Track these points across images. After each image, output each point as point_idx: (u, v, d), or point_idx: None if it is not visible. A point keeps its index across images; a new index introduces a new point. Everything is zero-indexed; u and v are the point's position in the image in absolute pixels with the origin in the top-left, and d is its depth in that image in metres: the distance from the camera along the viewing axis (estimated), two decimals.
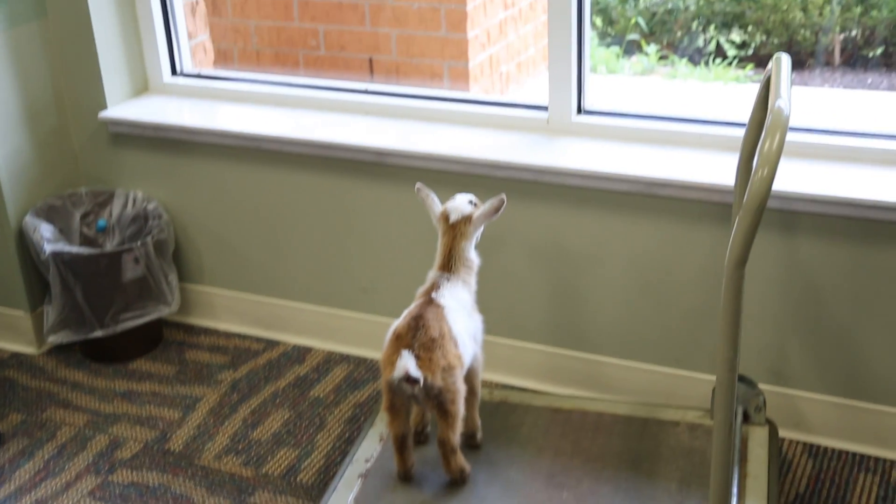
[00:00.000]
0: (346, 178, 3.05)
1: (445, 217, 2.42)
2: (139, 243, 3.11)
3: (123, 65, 3.30)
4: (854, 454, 2.69)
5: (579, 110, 2.88)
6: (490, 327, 2.57)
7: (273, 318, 3.35)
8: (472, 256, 2.44)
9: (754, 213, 1.72)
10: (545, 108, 2.90)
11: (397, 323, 2.30)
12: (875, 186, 2.48)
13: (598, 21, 4.56)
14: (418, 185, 2.47)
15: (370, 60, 4.35)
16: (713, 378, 2.71)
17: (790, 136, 2.52)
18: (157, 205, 3.29)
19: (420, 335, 2.23)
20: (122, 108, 3.28)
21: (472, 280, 2.45)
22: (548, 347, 3.00)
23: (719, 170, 2.61)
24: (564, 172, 2.74)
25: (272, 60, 4.46)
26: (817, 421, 2.74)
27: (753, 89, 2.22)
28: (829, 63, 4.07)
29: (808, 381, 2.72)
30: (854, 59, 4.02)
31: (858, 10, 3.96)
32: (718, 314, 1.85)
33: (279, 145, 3.07)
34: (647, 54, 4.48)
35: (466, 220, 2.40)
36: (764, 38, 4.26)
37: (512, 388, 3.01)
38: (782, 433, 2.73)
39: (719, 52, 4.32)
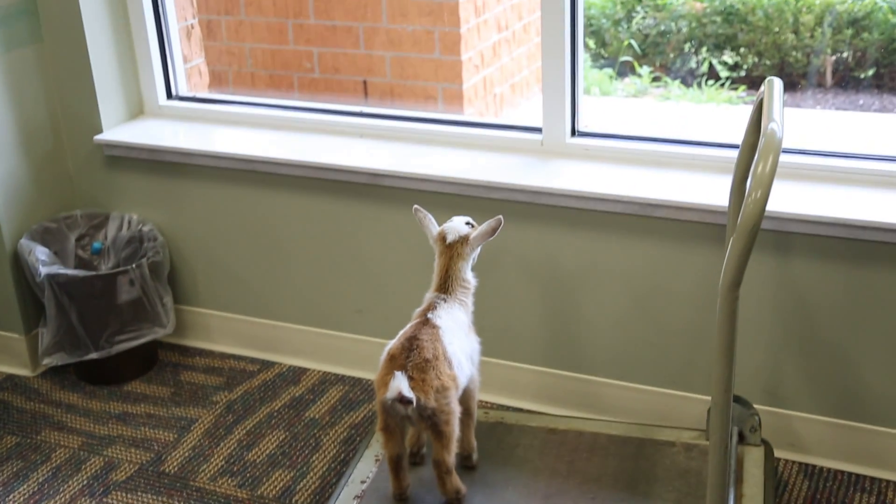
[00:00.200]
0: (340, 200, 3.06)
1: (442, 237, 2.42)
2: (134, 265, 3.11)
3: (119, 88, 3.31)
4: (850, 474, 2.69)
5: (573, 132, 2.89)
6: (486, 348, 2.57)
7: (268, 340, 3.35)
8: (469, 277, 2.45)
9: (748, 235, 1.73)
10: (539, 130, 2.91)
11: (392, 344, 2.30)
12: (868, 207, 2.50)
13: (591, 43, 4.59)
14: (415, 206, 2.48)
15: (364, 83, 4.36)
16: (708, 398, 2.71)
17: (783, 158, 2.54)
18: (153, 227, 3.29)
19: (414, 356, 2.23)
20: (117, 131, 3.29)
21: (469, 301, 2.46)
22: (543, 368, 3.00)
23: (713, 191, 2.62)
24: (559, 194, 2.75)
25: (267, 83, 4.48)
26: (813, 441, 2.74)
27: (746, 111, 2.24)
28: (821, 84, 4.09)
29: (803, 401, 2.73)
30: (846, 81, 4.04)
31: (850, 31, 3.99)
32: (713, 335, 1.85)
33: (274, 168, 3.08)
34: (640, 76, 4.50)
35: (463, 240, 2.41)
36: (756, 59, 4.28)
37: (508, 408, 3.01)
38: (778, 453, 2.74)
39: (712, 74, 4.35)
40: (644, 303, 2.80)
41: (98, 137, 3.26)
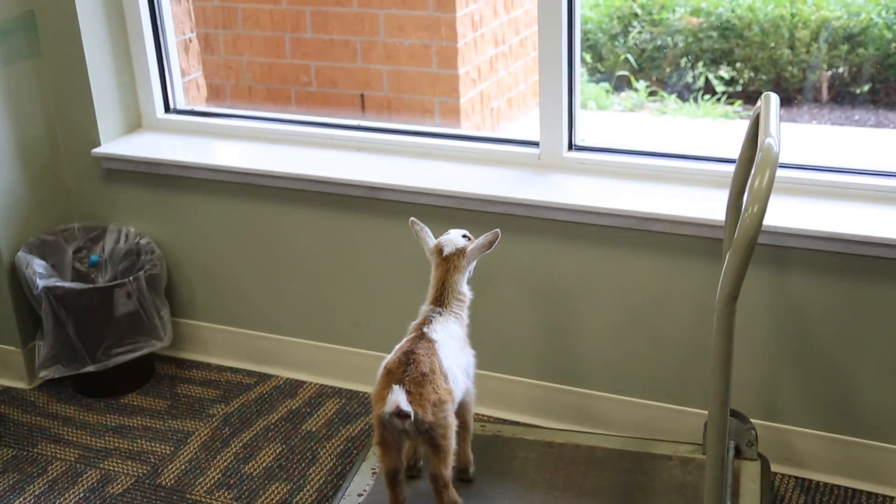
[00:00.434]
0: (337, 214, 3.06)
1: (439, 250, 2.43)
2: (131, 278, 3.11)
3: (117, 102, 3.32)
4: (846, 489, 2.69)
5: (570, 146, 2.90)
6: (482, 361, 2.57)
7: (265, 353, 3.35)
8: (465, 290, 2.45)
9: (745, 250, 1.74)
10: (536, 144, 2.92)
11: (389, 358, 2.30)
12: (864, 222, 2.50)
13: (588, 57, 4.61)
14: (412, 218, 2.48)
15: (362, 96, 4.38)
16: (705, 413, 2.71)
17: (779, 173, 2.54)
18: (150, 240, 3.30)
19: (411, 370, 2.23)
20: (115, 144, 3.29)
21: (465, 314, 2.46)
22: (540, 381, 3.00)
23: (709, 205, 2.63)
24: (556, 207, 2.76)
25: (264, 97, 4.49)
26: (809, 456, 2.74)
27: (742, 126, 2.24)
28: (816, 100, 4.11)
29: (800, 415, 2.73)
30: (841, 96, 4.05)
31: (845, 47, 4.01)
32: (710, 349, 1.86)
33: (271, 181, 3.09)
34: (636, 90, 4.52)
35: (460, 252, 2.41)
36: (752, 74, 4.30)
37: (504, 421, 3.01)
38: (774, 468, 2.74)
39: (708, 89, 4.37)
40: (641, 316, 2.81)
41: (96, 150, 3.26)
